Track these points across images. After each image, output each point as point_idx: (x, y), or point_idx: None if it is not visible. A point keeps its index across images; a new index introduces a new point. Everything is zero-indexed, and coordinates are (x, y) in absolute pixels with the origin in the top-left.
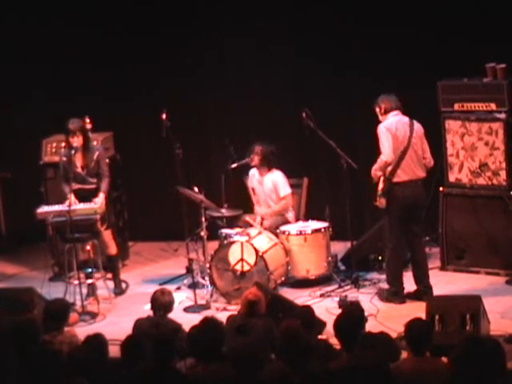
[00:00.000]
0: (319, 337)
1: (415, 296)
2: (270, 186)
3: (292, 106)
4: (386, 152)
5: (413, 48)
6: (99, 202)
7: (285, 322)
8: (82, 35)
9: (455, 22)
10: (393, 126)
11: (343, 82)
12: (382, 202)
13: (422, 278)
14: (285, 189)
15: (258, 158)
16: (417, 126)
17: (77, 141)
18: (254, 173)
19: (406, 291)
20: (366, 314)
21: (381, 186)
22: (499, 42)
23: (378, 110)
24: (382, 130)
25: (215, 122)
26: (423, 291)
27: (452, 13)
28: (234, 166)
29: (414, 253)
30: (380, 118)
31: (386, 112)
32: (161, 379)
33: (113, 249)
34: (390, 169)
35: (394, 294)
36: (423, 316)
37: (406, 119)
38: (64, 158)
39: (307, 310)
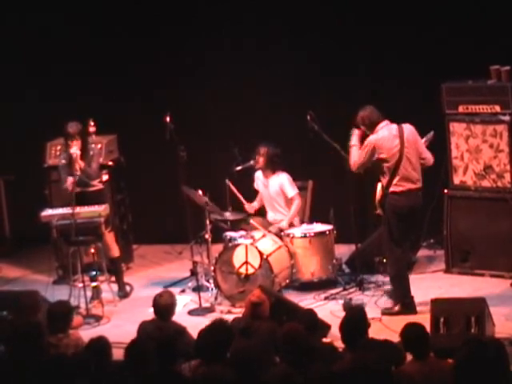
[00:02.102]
0: (324, 340)
1: None
2: (276, 188)
3: (292, 107)
4: (354, 161)
5: (415, 49)
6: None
7: (286, 325)
8: (82, 35)
9: (459, 23)
10: (379, 143)
11: (343, 82)
12: (381, 212)
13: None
14: (292, 189)
15: (262, 159)
16: (407, 132)
17: (76, 144)
18: (258, 175)
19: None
20: (370, 317)
21: (379, 195)
22: (504, 44)
23: (363, 128)
24: (366, 143)
25: (216, 123)
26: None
27: (456, 14)
28: (238, 168)
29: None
30: (369, 133)
31: (372, 127)
32: (164, 382)
33: (115, 251)
34: (387, 179)
35: (407, 308)
36: (428, 319)
37: (394, 128)
38: (63, 161)
39: (310, 313)
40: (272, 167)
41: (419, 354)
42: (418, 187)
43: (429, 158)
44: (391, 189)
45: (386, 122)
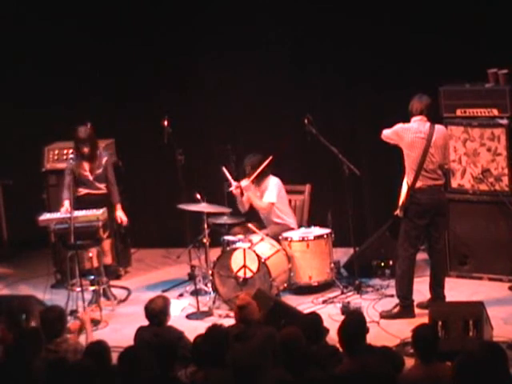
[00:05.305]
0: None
1: (428, 306)
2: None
3: (292, 109)
4: (383, 132)
5: (415, 50)
6: (122, 215)
7: (284, 330)
8: (82, 36)
9: (457, 27)
10: (401, 131)
11: (343, 83)
12: (401, 213)
13: (436, 288)
14: (270, 196)
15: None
16: (437, 135)
17: (86, 149)
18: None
19: (417, 301)
20: (368, 320)
21: (404, 197)
22: (502, 48)
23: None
24: (395, 129)
25: (215, 125)
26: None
27: (454, 17)
28: (231, 189)
29: (433, 260)
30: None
31: (410, 115)
32: None
33: (108, 259)
34: (412, 178)
35: (406, 311)
36: (426, 322)
37: (426, 127)
38: (73, 163)
39: (315, 318)
40: (263, 176)
41: (424, 357)
42: (440, 183)
43: (449, 163)
44: (416, 186)
45: (420, 118)
